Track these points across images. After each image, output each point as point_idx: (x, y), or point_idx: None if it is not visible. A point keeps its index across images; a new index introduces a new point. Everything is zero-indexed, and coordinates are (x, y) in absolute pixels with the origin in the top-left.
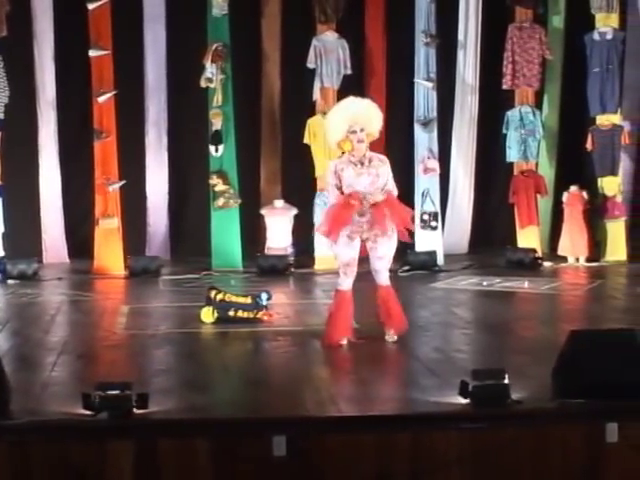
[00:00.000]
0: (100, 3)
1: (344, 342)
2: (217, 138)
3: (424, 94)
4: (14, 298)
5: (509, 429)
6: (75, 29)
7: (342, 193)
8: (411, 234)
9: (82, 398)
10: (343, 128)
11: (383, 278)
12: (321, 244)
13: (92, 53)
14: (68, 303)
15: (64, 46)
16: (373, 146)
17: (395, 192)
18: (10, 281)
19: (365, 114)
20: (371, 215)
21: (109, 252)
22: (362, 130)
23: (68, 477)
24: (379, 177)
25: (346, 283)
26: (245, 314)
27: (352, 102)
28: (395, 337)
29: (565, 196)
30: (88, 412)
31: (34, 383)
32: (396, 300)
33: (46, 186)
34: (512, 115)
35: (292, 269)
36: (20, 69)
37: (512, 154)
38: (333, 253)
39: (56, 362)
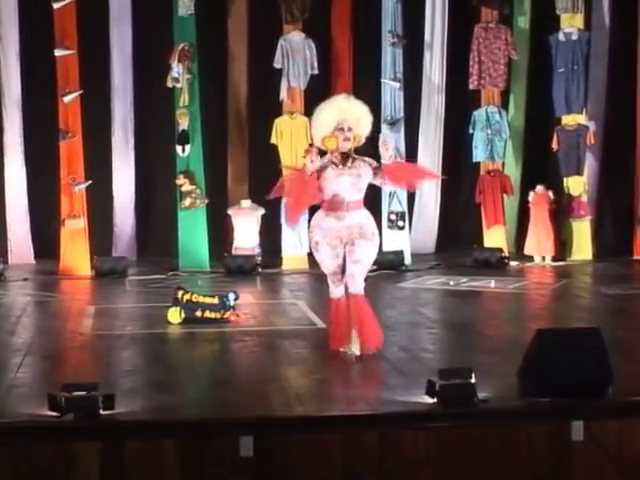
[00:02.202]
0: (65, 2)
1: (346, 350)
2: (184, 138)
3: (391, 94)
4: None
5: (476, 428)
6: (40, 28)
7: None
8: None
9: (48, 399)
10: (331, 125)
11: (357, 285)
12: (288, 244)
13: (57, 53)
14: (34, 304)
15: (29, 45)
16: None
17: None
18: None
19: (355, 114)
20: (353, 219)
21: (75, 253)
22: (350, 129)
23: (34, 479)
24: (360, 178)
25: (337, 291)
26: (212, 314)
27: (343, 99)
28: (358, 352)
29: (531, 196)
30: (54, 413)
31: None
32: (370, 311)
33: (11, 186)
34: (478, 115)
35: (259, 269)
36: None
37: (478, 154)
38: (318, 260)
39: (22, 363)
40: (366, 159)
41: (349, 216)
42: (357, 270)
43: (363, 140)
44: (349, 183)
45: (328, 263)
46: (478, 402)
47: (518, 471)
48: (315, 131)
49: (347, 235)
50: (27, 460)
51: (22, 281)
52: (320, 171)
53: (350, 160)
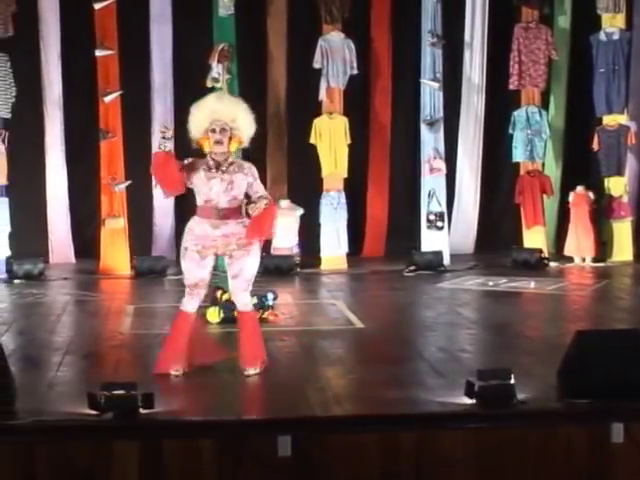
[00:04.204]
0: (106, 3)
1: (177, 373)
2: None
3: (430, 94)
4: (20, 298)
5: (514, 429)
6: (81, 29)
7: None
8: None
9: (88, 398)
10: (203, 126)
11: (240, 301)
12: (327, 244)
13: (98, 53)
14: (74, 303)
15: (70, 46)
16: (380, 144)
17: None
18: (16, 281)
19: (229, 114)
20: (229, 227)
21: (115, 252)
22: (223, 130)
23: (73, 477)
24: (233, 184)
25: (190, 304)
26: None
27: (215, 99)
28: (251, 371)
29: (571, 196)
30: (93, 412)
31: (40, 383)
32: (254, 329)
33: (52, 186)
34: (518, 115)
35: (298, 269)
36: (26, 68)
37: (518, 154)
38: (182, 268)
39: (62, 362)
40: (245, 164)
41: (224, 225)
42: (236, 286)
43: (245, 141)
44: (221, 189)
45: (192, 273)
46: (517, 403)
47: (557, 473)
48: (191, 132)
49: (223, 246)
50: (66, 459)
51: (62, 280)
52: (190, 170)
53: (225, 164)
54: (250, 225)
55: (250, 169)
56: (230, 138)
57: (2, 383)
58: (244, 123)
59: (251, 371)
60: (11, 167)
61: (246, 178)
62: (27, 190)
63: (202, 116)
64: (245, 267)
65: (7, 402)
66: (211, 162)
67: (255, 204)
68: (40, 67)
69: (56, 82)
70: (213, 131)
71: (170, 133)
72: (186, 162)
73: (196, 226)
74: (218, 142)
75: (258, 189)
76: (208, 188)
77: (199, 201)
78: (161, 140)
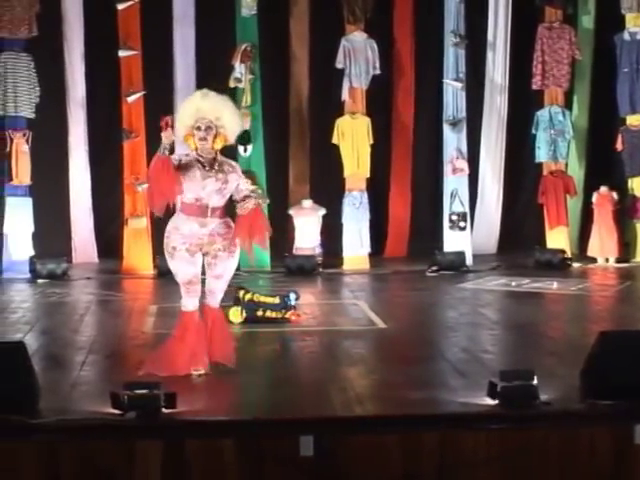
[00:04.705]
0: (130, 4)
1: (199, 372)
2: (245, 138)
3: (453, 94)
4: (43, 297)
5: (537, 430)
6: (104, 29)
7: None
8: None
9: (111, 397)
10: (189, 123)
11: (215, 300)
12: (349, 244)
13: (121, 53)
14: (97, 303)
15: (94, 46)
16: (402, 144)
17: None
18: (40, 280)
19: (214, 112)
20: (215, 226)
21: (138, 252)
22: (208, 128)
23: (96, 476)
24: (227, 184)
25: (190, 303)
26: (273, 314)
27: (200, 97)
28: (202, 371)
29: (594, 196)
30: (116, 411)
31: (63, 382)
32: (225, 326)
33: (76, 186)
34: (541, 115)
35: (320, 269)
36: (50, 69)
37: (541, 154)
38: (172, 268)
39: (85, 361)
40: (233, 163)
41: (212, 223)
42: (217, 286)
43: (230, 139)
44: (215, 188)
45: (184, 271)
46: (540, 404)
47: (580, 474)
48: (177, 129)
49: (208, 243)
50: (89, 458)
51: (85, 280)
52: (185, 169)
53: (217, 163)
54: (238, 226)
55: (238, 167)
56: (215, 136)
57: (26, 382)
58: (229, 121)
59: (203, 371)
60: (35, 167)
61: (238, 179)
62: (50, 190)
63: (188, 113)
64: (228, 268)
65: (31, 401)
66: (202, 160)
67: (244, 202)
68: (64, 67)
69: (80, 82)
70: (198, 129)
71: (170, 138)
72: (176, 162)
73: (183, 224)
74: (202, 140)
75: (243, 187)
76: (201, 187)
77: (187, 198)
78: (165, 140)
